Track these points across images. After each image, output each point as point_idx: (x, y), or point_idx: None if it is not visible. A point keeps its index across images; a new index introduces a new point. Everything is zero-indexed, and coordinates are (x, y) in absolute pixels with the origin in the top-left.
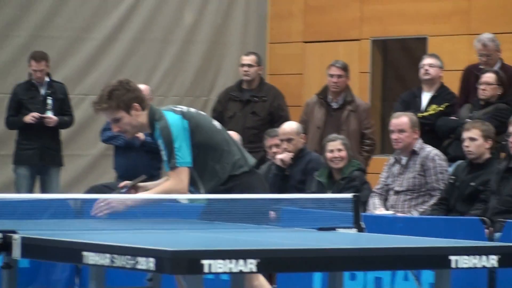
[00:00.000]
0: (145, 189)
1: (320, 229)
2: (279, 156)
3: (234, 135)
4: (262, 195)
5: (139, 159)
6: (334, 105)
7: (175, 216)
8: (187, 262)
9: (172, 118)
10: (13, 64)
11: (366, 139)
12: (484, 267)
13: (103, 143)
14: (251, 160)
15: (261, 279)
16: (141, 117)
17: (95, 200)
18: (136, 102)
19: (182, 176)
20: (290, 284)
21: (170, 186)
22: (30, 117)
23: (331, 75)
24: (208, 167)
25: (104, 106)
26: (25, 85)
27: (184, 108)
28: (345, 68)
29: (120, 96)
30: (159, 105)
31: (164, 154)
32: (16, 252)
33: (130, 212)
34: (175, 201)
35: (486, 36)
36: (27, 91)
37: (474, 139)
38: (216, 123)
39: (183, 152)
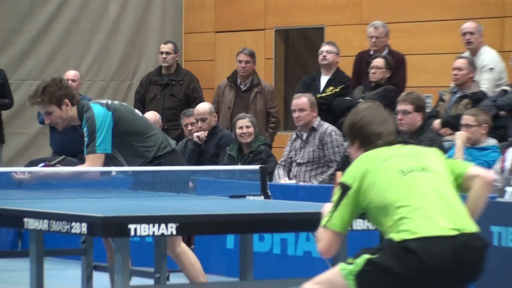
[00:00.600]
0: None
1: (232, 196)
2: (195, 134)
3: (154, 114)
4: (180, 167)
5: (71, 136)
6: (243, 87)
7: (106, 186)
8: (116, 226)
9: (98, 109)
10: None
11: (271, 117)
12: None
13: (40, 124)
14: (172, 142)
15: (183, 246)
16: (71, 111)
17: (36, 173)
18: (66, 98)
19: (96, 161)
20: (207, 245)
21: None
22: None
23: (240, 61)
24: (134, 150)
25: (38, 100)
26: None
27: (109, 101)
28: (252, 54)
29: (53, 93)
30: (88, 89)
31: (86, 140)
32: None
33: (62, 183)
34: (107, 173)
35: (378, 22)
36: None
37: None
38: (137, 112)
39: (104, 140)
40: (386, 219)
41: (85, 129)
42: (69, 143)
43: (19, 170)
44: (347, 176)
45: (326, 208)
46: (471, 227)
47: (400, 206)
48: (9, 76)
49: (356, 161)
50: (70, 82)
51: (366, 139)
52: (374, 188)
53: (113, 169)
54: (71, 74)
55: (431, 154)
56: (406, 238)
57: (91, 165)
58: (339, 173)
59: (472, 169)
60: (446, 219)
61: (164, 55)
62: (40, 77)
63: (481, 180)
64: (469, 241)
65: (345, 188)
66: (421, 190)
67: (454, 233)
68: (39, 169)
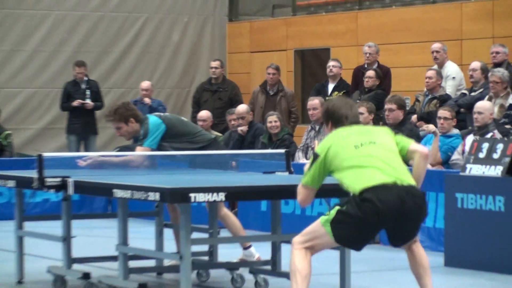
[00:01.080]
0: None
1: (265, 172)
2: (239, 128)
3: (207, 113)
4: (227, 151)
5: None
6: (271, 93)
7: (172, 165)
8: (180, 195)
9: (153, 119)
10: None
11: (292, 114)
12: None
13: None
14: (212, 135)
15: (225, 210)
16: (136, 126)
17: (120, 155)
18: (132, 117)
19: (142, 150)
20: (247, 208)
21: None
22: (76, 103)
23: (269, 73)
24: (187, 144)
25: (111, 118)
26: (72, 82)
27: (163, 114)
28: (277, 68)
29: (122, 113)
30: (158, 94)
31: (140, 137)
32: (70, 190)
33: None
34: (171, 156)
35: (371, 43)
36: (73, 86)
37: (362, 113)
38: (184, 119)
39: (152, 140)
40: (346, 180)
41: (141, 132)
42: None
43: (108, 154)
44: (318, 148)
45: (305, 167)
46: (410, 181)
47: (354, 169)
48: (101, 85)
49: (326, 138)
50: (143, 92)
51: (336, 120)
52: (336, 158)
53: (178, 153)
54: (145, 84)
55: (381, 131)
56: (362, 190)
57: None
58: (316, 142)
59: (413, 145)
60: (389, 175)
61: (213, 69)
62: (123, 86)
63: (419, 153)
64: (410, 189)
65: (316, 156)
66: (369, 157)
67: (398, 182)
68: (117, 153)
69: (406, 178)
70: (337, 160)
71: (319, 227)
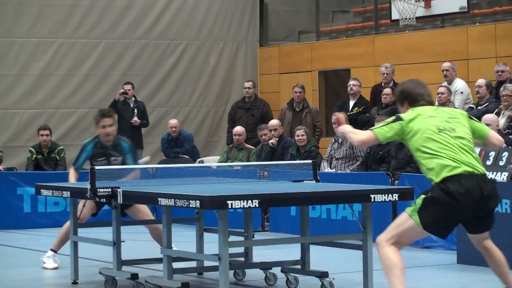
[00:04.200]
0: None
1: (294, 181)
2: (270, 141)
3: (242, 128)
4: (260, 163)
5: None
6: (297, 109)
7: (211, 175)
8: (218, 202)
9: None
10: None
11: (316, 128)
12: (390, 200)
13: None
14: None
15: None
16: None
17: (165, 168)
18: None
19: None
20: (278, 213)
21: None
22: (133, 121)
23: (295, 92)
24: None
25: (112, 114)
26: (122, 102)
27: None
28: (302, 87)
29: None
30: (197, 113)
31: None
32: (119, 199)
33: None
34: (209, 167)
35: (387, 64)
36: (123, 105)
37: None
38: None
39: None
40: (425, 162)
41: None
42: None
43: (153, 167)
44: (403, 115)
45: (346, 128)
46: (484, 169)
47: (435, 156)
48: (146, 105)
49: (411, 110)
50: (172, 128)
51: (413, 99)
52: (418, 132)
53: (214, 164)
54: (173, 122)
55: (460, 116)
56: (445, 178)
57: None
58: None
59: (492, 134)
60: (468, 164)
61: (246, 89)
62: (166, 105)
63: (497, 146)
64: (485, 178)
65: (399, 118)
66: (449, 145)
67: (475, 171)
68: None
69: (481, 166)
70: (418, 134)
71: (406, 219)
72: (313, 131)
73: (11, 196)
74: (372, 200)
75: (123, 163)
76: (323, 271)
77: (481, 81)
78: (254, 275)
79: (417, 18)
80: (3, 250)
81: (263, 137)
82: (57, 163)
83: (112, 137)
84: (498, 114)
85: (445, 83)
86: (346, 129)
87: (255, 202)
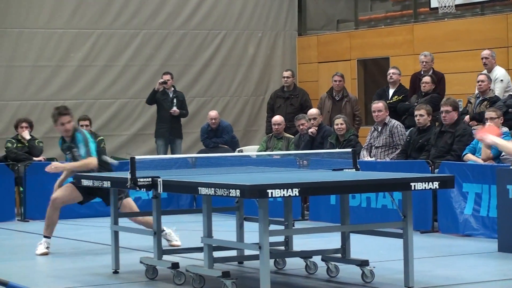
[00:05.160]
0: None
1: (334, 170)
2: (310, 130)
3: (280, 118)
4: (299, 151)
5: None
6: (337, 98)
7: (250, 164)
8: (258, 191)
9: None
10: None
11: (356, 117)
12: (430, 188)
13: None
14: None
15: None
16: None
17: (204, 157)
18: None
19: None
20: (318, 202)
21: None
22: (172, 111)
23: (335, 80)
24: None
25: (69, 112)
26: (161, 92)
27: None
28: (342, 76)
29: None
30: (236, 102)
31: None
32: (159, 188)
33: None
34: (248, 156)
35: (426, 52)
36: (162, 95)
37: (422, 115)
38: None
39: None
40: None
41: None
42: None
43: (192, 156)
44: None
45: (495, 139)
46: None
47: None
48: (185, 94)
49: None
50: (211, 120)
51: None
52: None
53: (254, 154)
54: (212, 114)
55: None
56: None
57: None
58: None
59: None
60: None
61: (285, 79)
62: (205, 95)
63: None
64: None
65: None
66: None
67: None
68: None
69: None
70: None
71: None
72: (352, 120)
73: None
74: (413, 188)
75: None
76: (363, 260)
77: None
78: (294, 263)
79: (456, 5)
80: None
81: (301, 127)
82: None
83: (71, 132)
84: None
85: (484, 71)
86: (496, 140)
87: (295, 191)
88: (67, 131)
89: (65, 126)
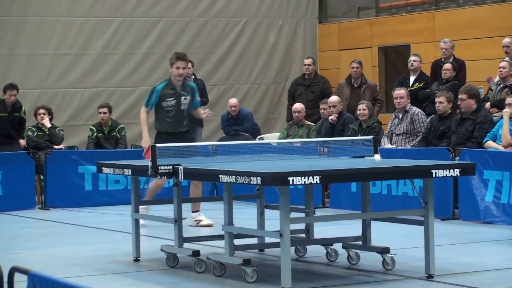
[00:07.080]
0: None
1: (355, 157)
2: (330, 117)
3: (301, 105)
4: (320, 139)
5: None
6: (355, 85)
7: (271, 152)
8: (279, 178)
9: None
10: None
11: (378, 101)
12: (451, 176)
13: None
14: None
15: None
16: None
17: (225, 145)
18: None
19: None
20: (339, 189)
21: None
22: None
23: (352, 67)
24: None
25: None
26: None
27: None
28: (360, 63)
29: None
30: (257, 90)
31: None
32: (180, 176)
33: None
34: (269, 144)
35: (447, 39)
36: None
37: (442, 102)
38: None
39: None
40: None
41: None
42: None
43: (213, 144)
44: None
45: None
46: None
47: None
48: (206, 82)
49: None
50: (232, 108)
51: None
52: None
53: (275, 141)
54: (232, 101)
55: None
56: None
57: None
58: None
59: None
60: None
61: (306, 66)
62: (225, 83)
63: None
64: None
65: None
66: None
67: None
68: (226, 142)
69: None
70: None
71: None
72: (373, 106)
73: (72, 175)
74: (434, 175)
75: (190, 103)
76: (384, 247)
77: None
78: (315, 251)
79: None
80: (65, 228)
81: (322, 111)
82: (117, 142)
83: (183, 78)
84: None
85: (507, 58)
86: None
87: (316, 178)
88: (180, 76)
89: (179, 70)
